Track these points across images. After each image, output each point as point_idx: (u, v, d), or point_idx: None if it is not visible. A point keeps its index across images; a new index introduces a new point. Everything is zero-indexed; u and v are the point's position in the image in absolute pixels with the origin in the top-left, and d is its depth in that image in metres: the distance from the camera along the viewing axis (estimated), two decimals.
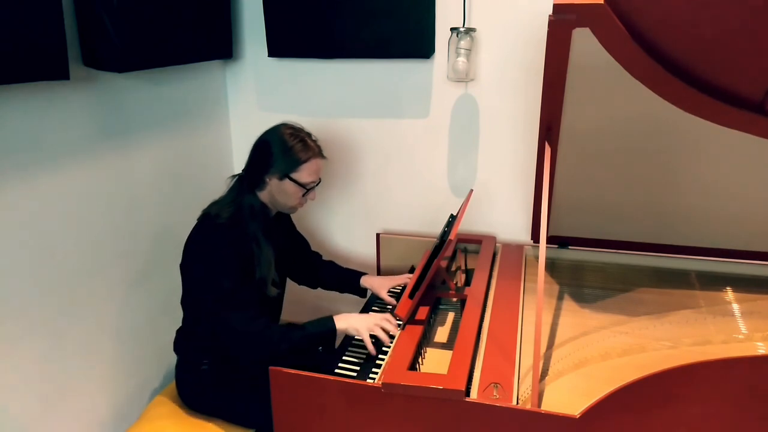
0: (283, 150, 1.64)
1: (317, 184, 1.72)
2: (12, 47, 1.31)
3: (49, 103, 1.53)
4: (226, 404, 1.70)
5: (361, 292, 1.97)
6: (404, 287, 1.90)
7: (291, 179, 1.65)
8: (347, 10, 2.00)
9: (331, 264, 2.04)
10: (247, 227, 1.63)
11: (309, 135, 1.70)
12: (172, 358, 1.80)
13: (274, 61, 2.25)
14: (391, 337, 1.59)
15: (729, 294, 1.84)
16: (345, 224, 2.38)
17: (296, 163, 1.64)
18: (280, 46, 2.14)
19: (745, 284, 1.88)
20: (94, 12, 1.55)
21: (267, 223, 1.71)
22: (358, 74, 2.17)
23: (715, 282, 1.90)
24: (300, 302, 2.12)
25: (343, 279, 1.99)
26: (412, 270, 2.06)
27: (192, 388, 1.75)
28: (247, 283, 1.60)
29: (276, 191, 1.68)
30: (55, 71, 1.43)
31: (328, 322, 1.58)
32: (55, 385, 1.65)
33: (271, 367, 1.44)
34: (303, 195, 1.70)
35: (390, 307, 1.87)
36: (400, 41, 2.00)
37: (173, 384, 1.82)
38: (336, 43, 2.06)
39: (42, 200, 1.55)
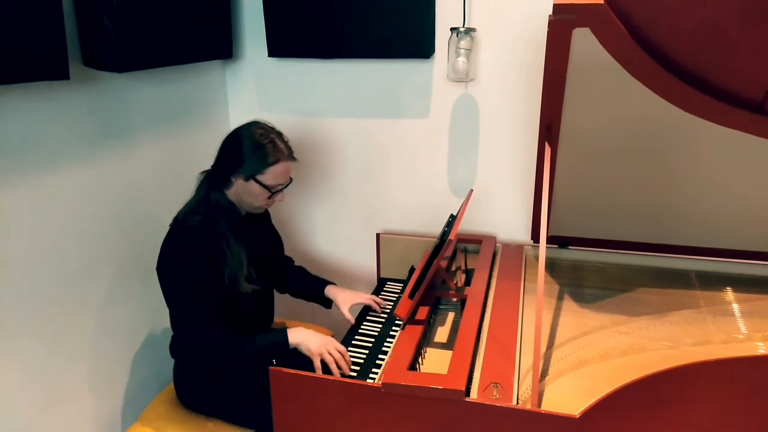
0: (251, 150, 1.60)
1: (286, 186, 1.69)
2: (12, 47, 1.31)
3: (49, 103, 1.53)
4: (225, 405, 1.70)
5: (326, 302, 1.91)
6: (403, 288, 1.90)
7: (256, 181, 1.62)
8: (347, 10, 2.00)
9: (300, 270, 2.00)
10: (215, 226, 1.61)
11: (280, 135, 1.67)
12: (171, 359, 1.80)
13: (274, 61, 2.25)
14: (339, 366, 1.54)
15: (729, 294, 1.84)
16: (345, 224, 2.38)
17: (263, 166, 1.61)
18: (280, 46, 2.14)
19: (745, 284, 1.88)
20: (94, 12, 1.55)
21: (236, 220, 1.68)
22: (358, 74, 2.17)
23: (715, 282, 1.90)
24: (295, 305, 2.12)
25: (310, 287, 1.93)
26: (412, 270, 2.05)
27: (190, 390, 1.75)
28: (213, 288, 1.59)
29: (242, 191, 1.65)
30: (55, 71, 1.43)
31: (281, 335, 1.56)
32: (54, 385, 1.65)
33: (271, 367, 1.44)
34: (269, 197, 1.67)
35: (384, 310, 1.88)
36: (400, 41, 2.00)
37: (172, 384, 1.82)
38: (336, 43, 2.06)
39: (42, 200, 1.55)
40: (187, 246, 1.58)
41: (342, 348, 1.55)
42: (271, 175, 1.63)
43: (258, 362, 1.53)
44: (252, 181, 1.62)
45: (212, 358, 1.59)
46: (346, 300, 1.85)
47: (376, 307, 1.88)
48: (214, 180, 1.67)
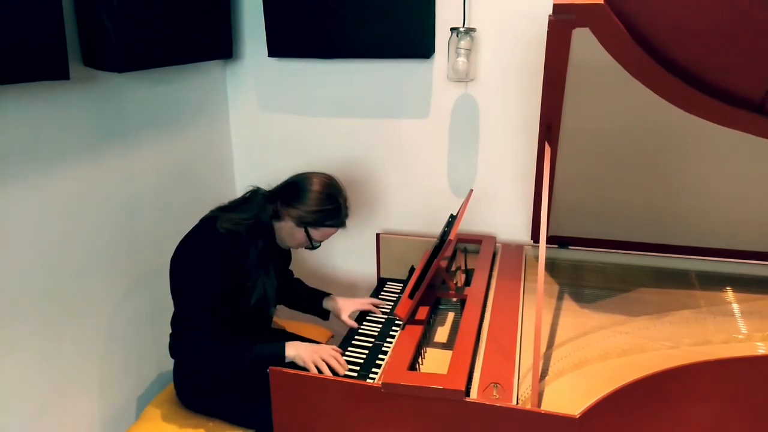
0: (314, 205, 1.63)
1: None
2: (12, 47, 1.31)
3: (49, 103, 1.53)
4: (225, 405, 1.70)
5: (324, 313, 1.92)
6: (403, 288, 1.90)
7: (306, 231, 1.66)
8: (347, 10, 2.00)
9: (298, 282, 2.01)
10: (254, 246, 1.62)
11: (345, 200, 1.70)
12: (171, 359, 1.80)
13: (274, 61, 2.25)
14: (334, 373, 1.53)
15: (729, 294, 1.84)
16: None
17: (318, 224, 1.65)
18: (280, 46, 2.14)
19: (745, 284, 1.88)
20: (94, 12, 1.55)
21: (273, 245, 1.72)
22: (358, 74, 2.17)
23: (715, 282, 1.90)
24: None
25: (306, 299, 1.94)
26: (412, 270, 2.05)
27: (190, 390, 1.75)
28: (223, 298, 1.59)
29: (286, 230, 1.68)
30: (55, 71, 1.42)
31: (278, 348, 1.57)
32: (55, 385, 1.65)
33: (271, 367, 1.45)
34: (306, 247, 1.72)
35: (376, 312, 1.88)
36: (400, 41, 2.00)
37: (172, 384, 1.82)
38: (336, 43, 2.06)
39: (42, 200, 1.55)
40: (217, 251, 1.58)
41: (333, 352, 1.56)
42: (321, 233, 1.68)
43: (255, 371, 1.55)
44: (302, 230, 1.66)
45: (211, 363, 1.58)
46: (345, 308, 1.86)
47: (375, 310, 1.88)
48: (272, 210, 1.67)
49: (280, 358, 1.56)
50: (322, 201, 1.64)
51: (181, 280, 1.62)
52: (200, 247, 1.61)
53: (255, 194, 1.71)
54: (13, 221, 1.47)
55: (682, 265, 1.98)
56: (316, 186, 1.65)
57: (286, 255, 1.93)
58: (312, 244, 1.70)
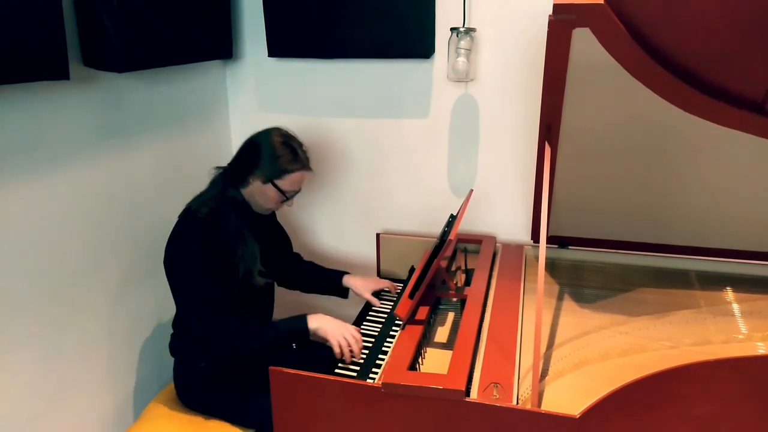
0: (271, 156, 1.65)
1: (297, 193, 1.74)
2: (12, 47, 1.31)
3: (49, 103, 1.53)
4: (225, 404, 1.70)
5: (343, 292, 1.97)
6: (403, 288, 1.90)
7: (274, 185, 1.67)
8: (347, 10, 2.00)
9: (311, 264, 2.04)
10: (229, 221, 1.65)
11: (300, 145, 1.72)
12: (171, 358, 1.80)
13: (274, 61, 2.25)
14: (353, 359, 1.58)
15: (729, 294, 1.84)
16: (345, 224, 2.38)
17: (282, 172, 1.66)
18: (280, 46, 2.14)
19: (745, 284, 1.88)
20: (94, 12, 1.55)
21: (249, 216, 1.73)
22: (358, 74, 2.17)
23: (715, 282, 1.90)
24: (296, 301, 2.13)
25: (324, 279, 1.98)
26: (412, 270, 2.05)
27: (190, 389, 1.75)
28: (224, 278, 1.61)
29: (257, 192, 1.70)
30: (55, 71, 1.43)
31: (301, 321, 1.59)
32: (55, 385, 1.65)
33: (271, 367, 1.45)
34: (282, 201, 1.73)
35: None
36: (400, 41, 2.00)
37: (172, 384, 1.82)
38: (336, 43, 2.06)
39: (41, 200, 1.55)
40: (200, 237, 1.60)
41: (357, 335, 1.60)
42: (288, 182, 1.68)
43: (279, 347, 1.58)
44: (270, 185, 1.67)
45: (237, 343, 1.60)
46: (367, 287, 1.92)
47: (393, 289, 1.96)
48: (232, 178, 1.71)
49: (303, 331, 1.58)
50: (277, 149, 1.66)
51: (178, 276, 1.64)
52: (181, 238, 1.64)
53: (217, 173, 1.75)
54: (13, 221, 1.47)
55: (682, 265, 1.98)
56: (267, 139, 1.68)
57: (276, 229, 1.96)
58: (286, 197, 1.71)
